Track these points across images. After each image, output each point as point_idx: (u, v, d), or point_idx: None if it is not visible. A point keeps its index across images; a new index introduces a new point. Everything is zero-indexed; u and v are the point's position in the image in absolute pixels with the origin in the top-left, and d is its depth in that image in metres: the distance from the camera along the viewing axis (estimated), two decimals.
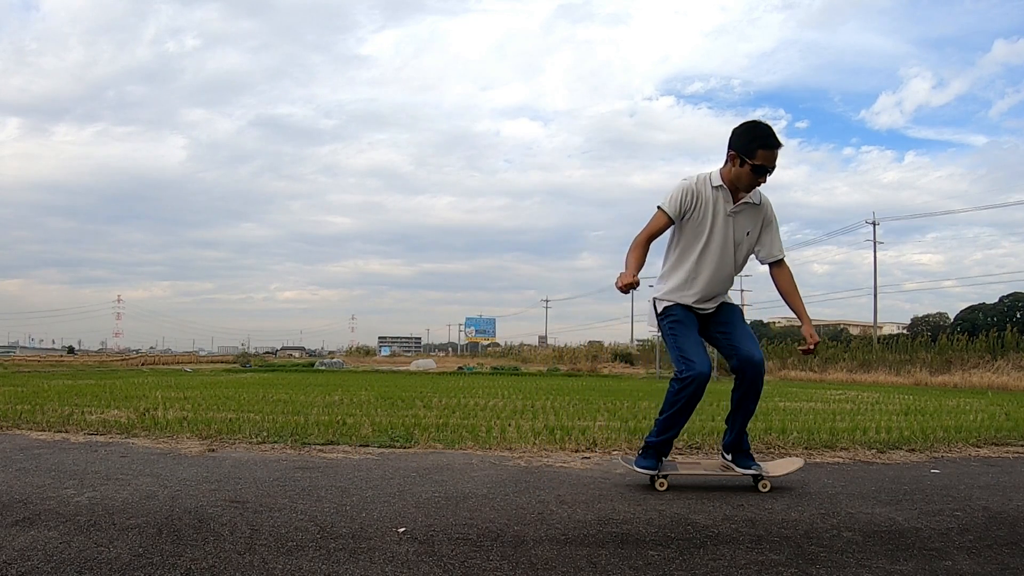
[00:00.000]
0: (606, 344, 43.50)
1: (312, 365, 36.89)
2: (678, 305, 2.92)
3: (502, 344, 73.55)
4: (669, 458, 3.08)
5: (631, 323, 56.23)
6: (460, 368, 30.59)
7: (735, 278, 3.07)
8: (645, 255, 2.85)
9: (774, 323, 61.14)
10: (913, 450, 4.14)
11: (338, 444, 3.98)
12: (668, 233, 2.92)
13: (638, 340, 45.63)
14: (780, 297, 3.00)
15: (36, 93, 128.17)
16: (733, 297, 3.12)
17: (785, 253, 2.95)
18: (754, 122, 2.76)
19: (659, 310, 2.98)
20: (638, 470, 2.94)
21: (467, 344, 77.22)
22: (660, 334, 3.05)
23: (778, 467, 3.04)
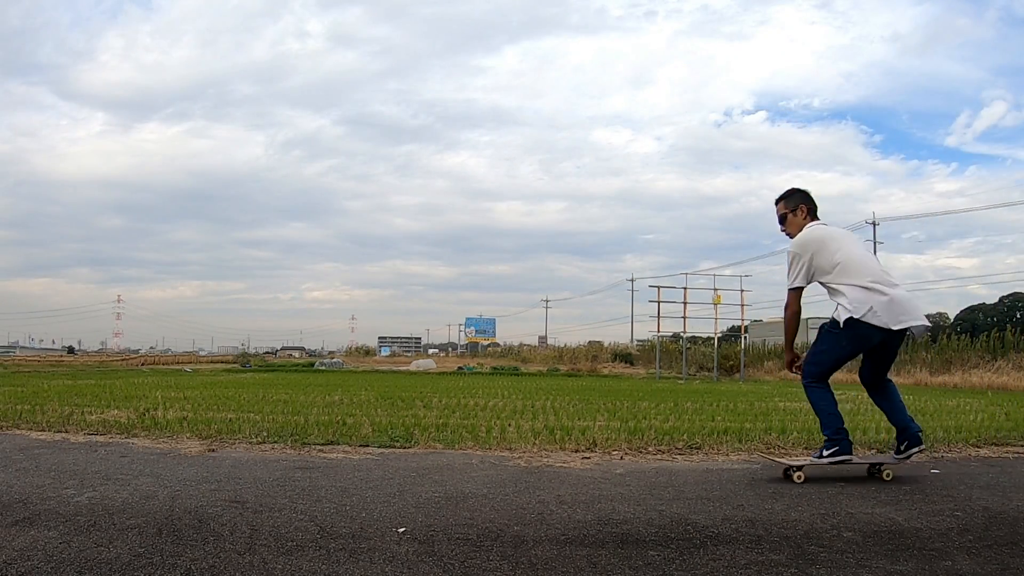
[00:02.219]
0: (606, 344, 43.27)
1: (312, 365, 36.85)
2: None
3: (502, 344, 73.53)
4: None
5: (631, 323, 56.26)
6: (460, 368, 30.56)
7: None
8: None
9: (774, 323, 61.07)
10: None
11: (338, 444, 3.98)
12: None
13: (638, 340, 45.61)
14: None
15: (133, 89, 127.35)
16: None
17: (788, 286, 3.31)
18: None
19: None
20: None
21: (467, 344, 77.23)
22: None
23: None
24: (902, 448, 3.20)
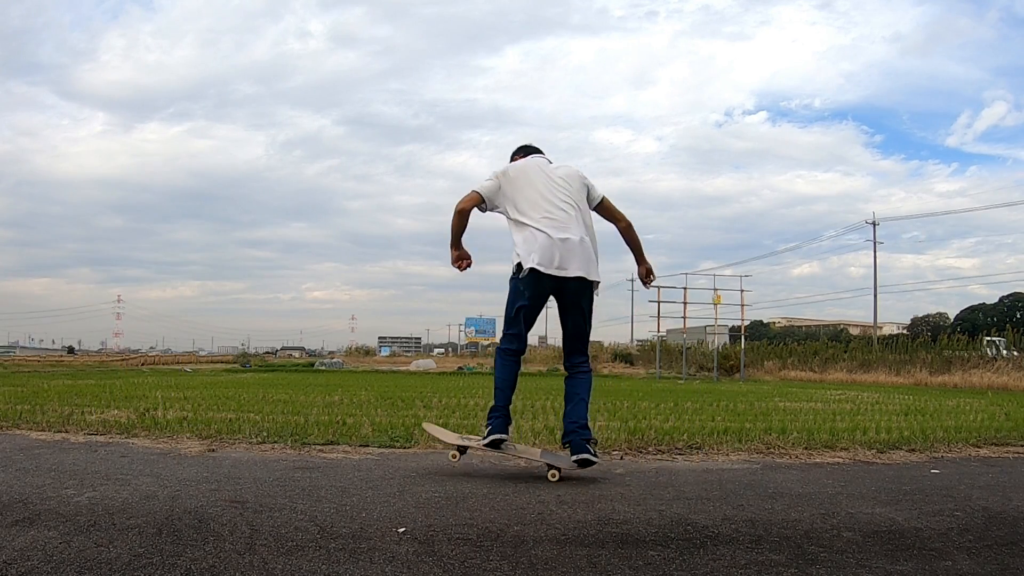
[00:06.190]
0: (606, 344, 43.28)
1: (312, 365, 36.88)
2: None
3: None
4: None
5: (631, 323, 56.39)
6: (460, 368, 30.59)
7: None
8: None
9: (774, 323, 61.13)
10: (913, 450, 4.14)
11: (338, 444, 3.97)
12: None
13: (638, 340, 45.75)
14: None
15: (134, 88, 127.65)
16: None
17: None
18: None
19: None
20: None
21: (467, 344, 77.20)
22: None
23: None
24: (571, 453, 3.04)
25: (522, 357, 3.25)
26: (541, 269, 2.95)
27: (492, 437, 3.02)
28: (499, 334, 3.43)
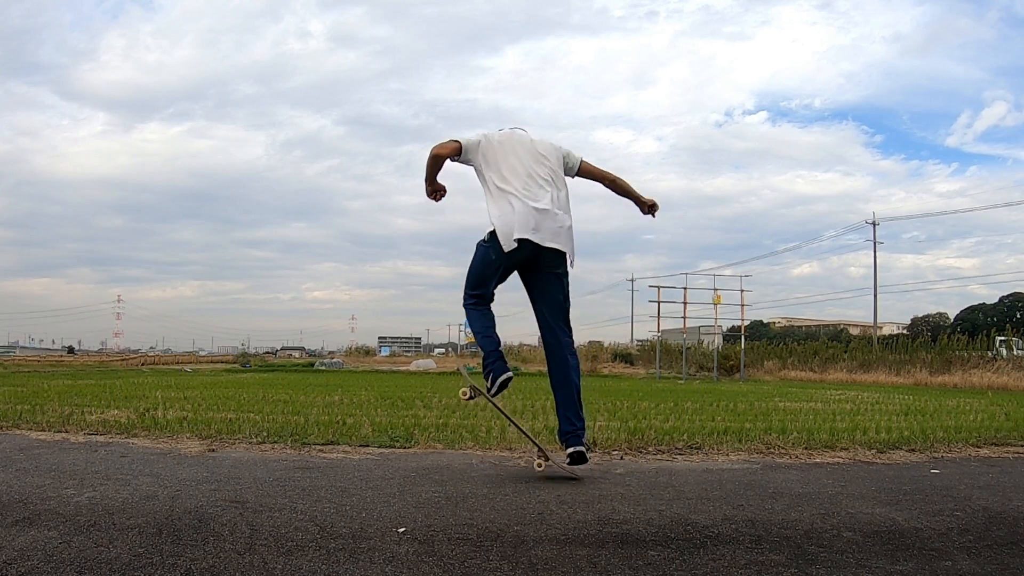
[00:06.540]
0: (606, 344, 43.23)
1: (312, 365, 36.91)
2: None
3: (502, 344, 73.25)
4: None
5: (631, 323, 56.31)
6: (460, 368, 30.58)
7: None
8: None
9: (774, 323, 61.15)
10: (913, 450, 4.14)
11: (338, 444, 3.97)
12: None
13: (638, 340, 45.76)
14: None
15: (134, 88, 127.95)
16: None
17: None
18: None
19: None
20: None
21: (467, 344, 77.17)
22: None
23: None
24: (567, 451, 3.04)
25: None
26: (519, 234, 2.97)
27: (500, 380, 3.02)
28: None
